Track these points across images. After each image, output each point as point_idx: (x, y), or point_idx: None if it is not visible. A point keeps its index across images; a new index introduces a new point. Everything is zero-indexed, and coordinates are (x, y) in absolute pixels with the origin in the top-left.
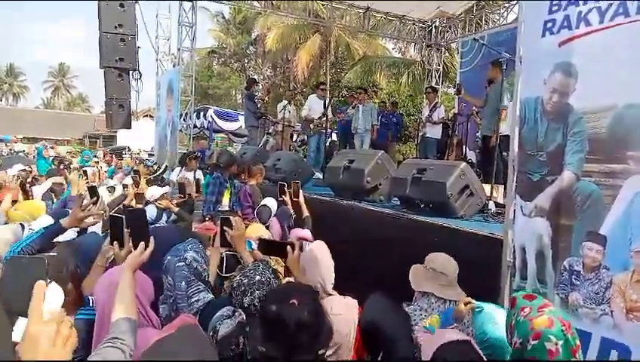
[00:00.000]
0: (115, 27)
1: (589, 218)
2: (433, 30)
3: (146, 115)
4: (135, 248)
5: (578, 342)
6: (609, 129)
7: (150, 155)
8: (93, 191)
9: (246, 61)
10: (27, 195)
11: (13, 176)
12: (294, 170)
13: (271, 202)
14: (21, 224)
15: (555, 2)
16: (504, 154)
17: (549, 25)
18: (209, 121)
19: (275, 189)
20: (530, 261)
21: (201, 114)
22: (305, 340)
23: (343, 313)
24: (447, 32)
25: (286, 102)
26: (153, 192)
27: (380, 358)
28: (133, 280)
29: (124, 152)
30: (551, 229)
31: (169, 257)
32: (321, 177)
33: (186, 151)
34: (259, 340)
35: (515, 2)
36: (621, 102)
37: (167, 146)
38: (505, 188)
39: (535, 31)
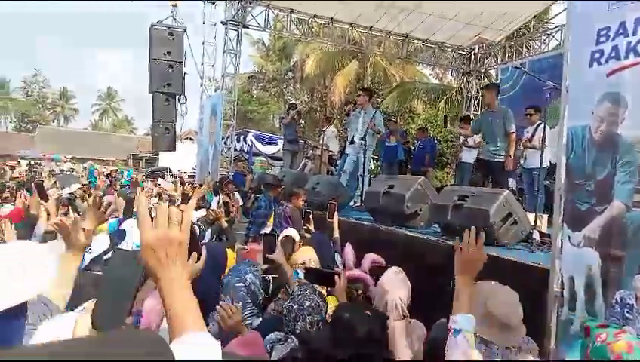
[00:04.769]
0: (164, 54)
1: None
2: (472, 57)
3: (187, 138)
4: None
5: None
6: None
7: (190, 177)
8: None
9: (284, 86)
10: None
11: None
12: (332, 194)
13: (292, 232)
14: None
15: (602, 33)
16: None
17: (597, 55)
18: (249, 145)
19: (320, 212)
20: (579, 292)
21: (242, 137)
22: (373, 350)
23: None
24: (487, 58)
25: (333, 129)
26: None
27: None
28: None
29: (165, 173)
30: (600, 260)
31: (229, 276)
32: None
33: (219, 178)
34: (329, 347)
35: (556, 29)
36: None
37: (209, 169)
38: (549, 218)
39: (582, 60)
